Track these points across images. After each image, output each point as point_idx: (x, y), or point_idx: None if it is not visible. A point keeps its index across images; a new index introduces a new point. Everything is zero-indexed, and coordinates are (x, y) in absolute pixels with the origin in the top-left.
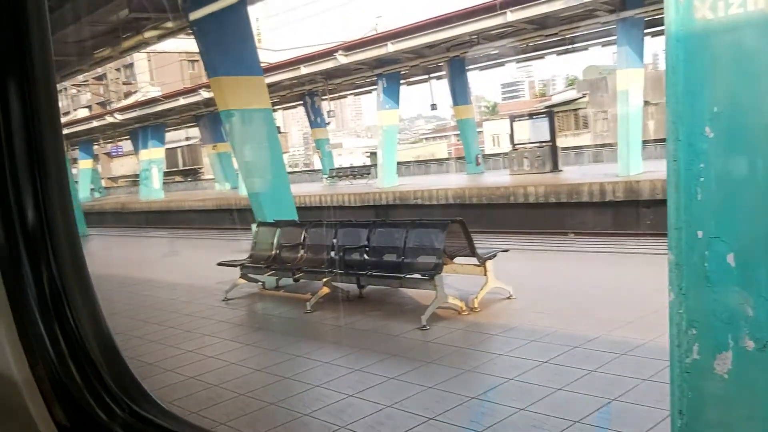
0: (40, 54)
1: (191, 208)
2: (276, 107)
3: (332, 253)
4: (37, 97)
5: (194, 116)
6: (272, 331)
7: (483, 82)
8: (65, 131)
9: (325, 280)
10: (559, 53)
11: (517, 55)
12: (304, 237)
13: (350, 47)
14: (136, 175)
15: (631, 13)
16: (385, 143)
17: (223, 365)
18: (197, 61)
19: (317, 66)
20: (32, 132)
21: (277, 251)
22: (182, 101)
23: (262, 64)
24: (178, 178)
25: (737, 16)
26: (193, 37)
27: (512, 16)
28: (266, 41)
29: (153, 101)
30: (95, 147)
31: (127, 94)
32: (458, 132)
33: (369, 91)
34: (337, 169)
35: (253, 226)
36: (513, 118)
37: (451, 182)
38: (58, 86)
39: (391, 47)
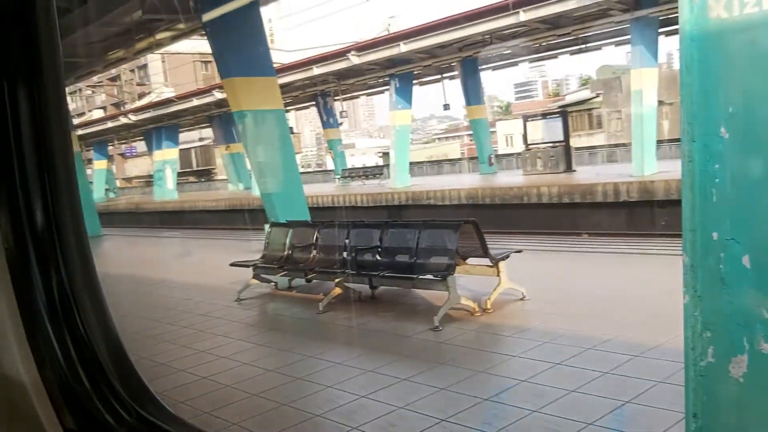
0: (48, 56)
1: (204, 208)
2: (288, 108)
3: (344, 254)
4: (46, 100)
5: (208, 117)
6: (284, 332)
7: (496, 82)
8: (80, 132)
9: (337, 280)
10: (572, 53)
11: (530, 55)
12: (317, 237)
13: (363, 47)
14: (150, 176)
15: (645, 13)
16: (397, 143)
17: (235, 365)
18: (210, 62)
19: (330, 66)
20: (41, 135)
21: (290, 252)
22: (196, 102)
23: (274, 65)
24: (191, 179)
25: (752, 15)
26: (206, 38)
27: (525, 15)
28: (279, 42)
29: (167, 102)
30: (110, 148)
31: (141, 95)
32: (471, 132)
33: (381, 92)
34: (350, 169)
35: (266, 227)
36: (526, 118)
37: (464, 182)
38: (73, 87)
39: (403, 47)
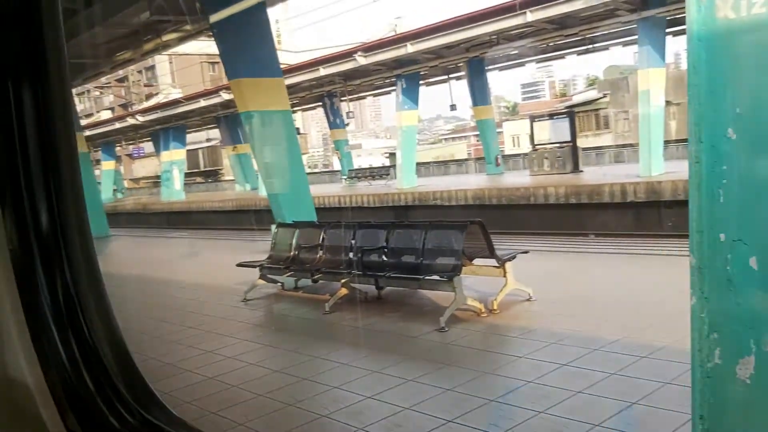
0: (54, 57)
1: (211, 209)
2: (295, 108)
3: (351, 254)
4: (51, 101)
5: (215, 118)
6: (291, 332)
7: (503, 82)
8: (89, 133)
9: (343, 281)
10: (579, 53)
11: (537, 55)
12: (323, 238)
13: (369, 48)
14: (158, 176)
15: (652, 13)
16: (404, 144)
17: (242, 366)
18: (217, 63)
19: (336, 67)
20: (46, 136)
21: (296, 252)
22: (203, 103)
23: (281, 66)
24: (199, 179)
25: (760, 15)
26: (213, 39)
27: (532, 16)
28: (286, 43)
29: (174, 103)
30: (118, 148)
31: (149, 96)
32: (478, 132)
33: (388, 92)
34: (356, 169)
35: (273, 227)
36: (533, 119)
37: (470, 183)
38: (81, 88)
39: (410, 48)
